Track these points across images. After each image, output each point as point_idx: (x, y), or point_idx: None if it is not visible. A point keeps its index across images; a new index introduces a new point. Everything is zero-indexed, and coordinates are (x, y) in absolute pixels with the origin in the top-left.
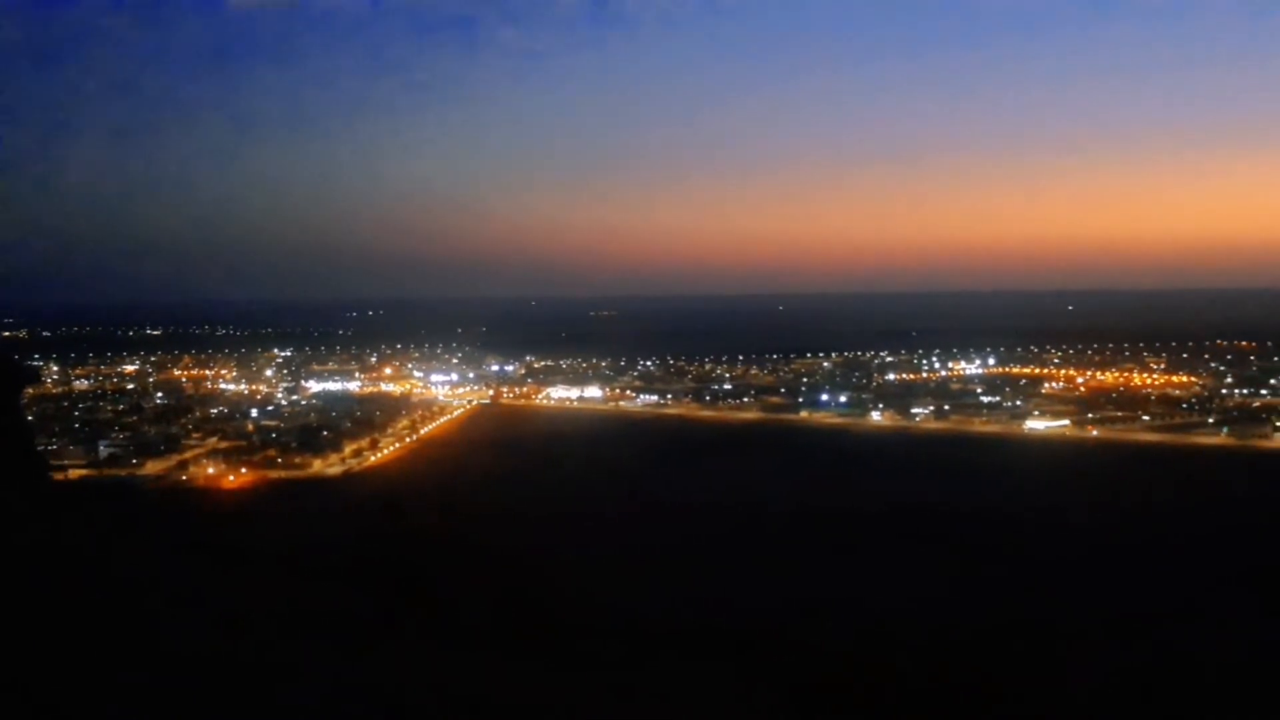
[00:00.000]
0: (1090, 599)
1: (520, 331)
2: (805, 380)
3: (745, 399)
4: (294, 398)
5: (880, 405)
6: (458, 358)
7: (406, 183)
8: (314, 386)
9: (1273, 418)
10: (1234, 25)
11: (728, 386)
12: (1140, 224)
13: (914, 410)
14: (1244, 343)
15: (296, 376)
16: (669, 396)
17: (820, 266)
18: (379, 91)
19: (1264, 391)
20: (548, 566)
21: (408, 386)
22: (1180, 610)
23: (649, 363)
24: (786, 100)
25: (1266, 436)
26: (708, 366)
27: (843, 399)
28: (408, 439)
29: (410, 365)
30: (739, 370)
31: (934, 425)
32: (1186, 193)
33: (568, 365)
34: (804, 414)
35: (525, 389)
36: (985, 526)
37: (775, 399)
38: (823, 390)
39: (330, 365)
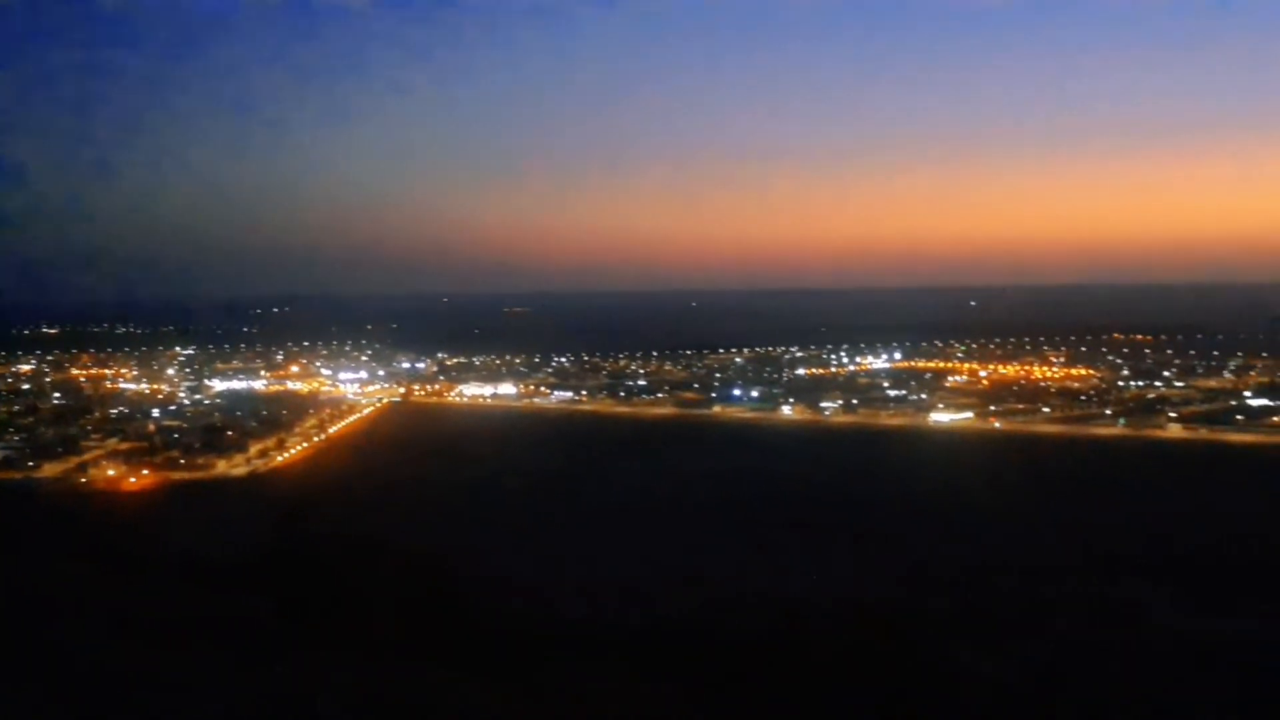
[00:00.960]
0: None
1: (432, 328)
2: (718, 375)
3: (659, 394)
4: (197, 397)
5: (791, 400)
6: (367, 355)
7: (314, 179)
8: (218, 385)
9: (1166, 409)
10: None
11: (642, 382)
12: (1041, 222)
13: (824, 404)
14: (1140, 336)
15: (200, 375)
16: (583, 393)
17: (733, 263)
18: (283, 87)
19: (1158, 384)
20: (458, 569)
21: (316, 385)
22: (1075, 595)
23: (563, 359)
24: (700, 97)
25: (1160, 427)
26: (622, 362)
27: (755, 394)
28: (316, 438)
29: (318, 363)
30: (653, 366)
31: (843, 419)
32: (1086, 192)
33: (481, 362)
34: (717, 409)
35: (437, 386)
36: (885, 517)
37: (689, 394)
38: (735, 385)
39: (235, 363)
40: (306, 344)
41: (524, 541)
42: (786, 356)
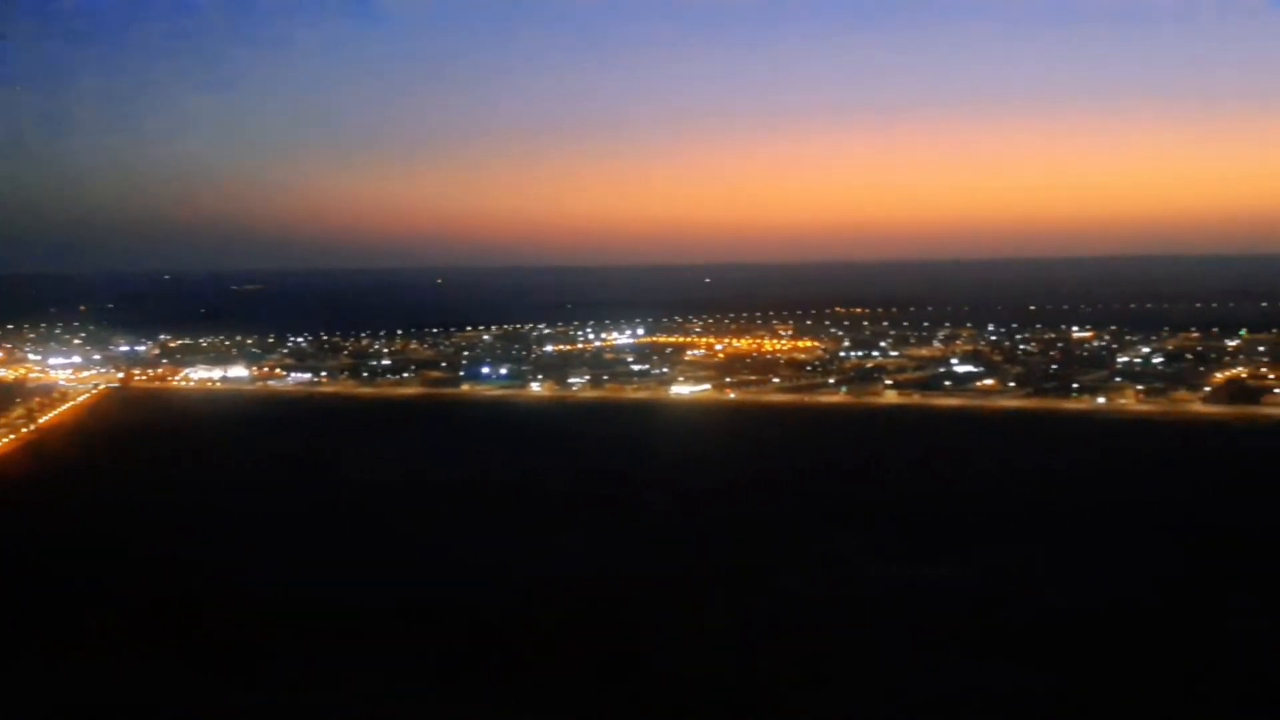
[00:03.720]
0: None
1: (154, 308)
2: (466, 354)
3: (405, 374)
4: None
5: (540, 376)
6: (81, 338)
7: (14, 149)
8: None
9: (882, 377)
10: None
11: (386, 362)
12: (771, 203)
13: (571, 380)
14: (858, 309)
15: None
16: (323, 374)
17: (479, 240)
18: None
19: (875, 353)
20: (188, 566)
21: (23, 371)
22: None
23: (300, 339)
24: (448, 73)
25: (878, 394)
26: (364, 341)
27: (503, 371)
28: (24, 430)
29: (26, 347)
30: (398, 345)
31: (590, 394)
32: (817, 174)
33: (209, 344)
34: (466, 387)
35: (160, 370)
36: (625, 485)
37: (436, 373)
38: (484, 363)
39: None
40: (11, 327)
41: (262, 533)
42: (534, 334)
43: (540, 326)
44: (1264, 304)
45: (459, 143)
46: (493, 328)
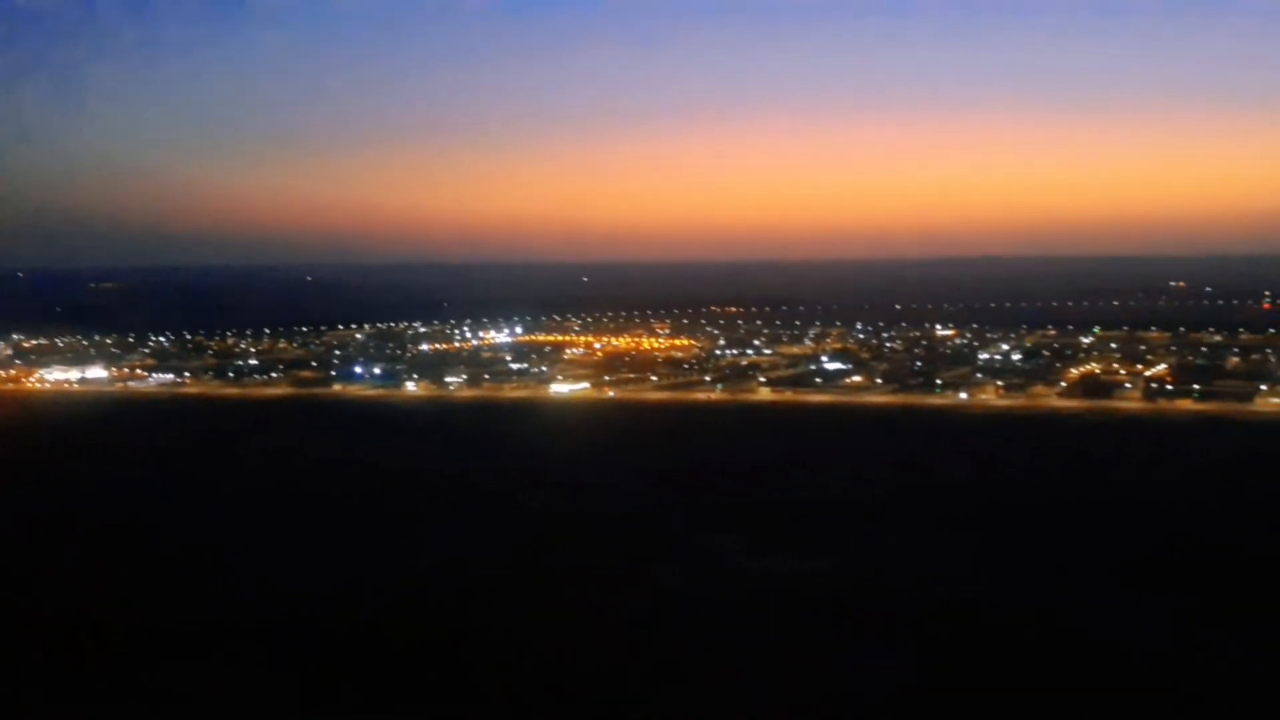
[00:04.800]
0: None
1: (5, 307)
2: (339, 353)
3: (274, 374)
4: None
5: (415, 375)
6: None
7: None
8: None
9: (756, 374)
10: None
11: (254, 361)
12: (649, 202)
13: (448, 379)
14: (734, 308)
15: None
16: (187, 374)
17: (351, 237)
18: None
19: (749, 351)
20: (34, 578)
21: None
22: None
23: (163, 339)
24: (315, 70)
25: (753, 391)
26: (230, 341)
27: (378, 370)
28: None
29: None
30: (266, 344)
31: (468, 393)
32: (693, 174)
33: (66, 344)
34: (338, 387)
35: (13, 372)
36: (509, 485)
37: (307, 373)
38: (357, 362)
39: None
40: None
41: (118, 544)
42: (410, 332)
43: (416, 325)
44: (1115, 303)
45: (331, 139)
46: (366, 326)
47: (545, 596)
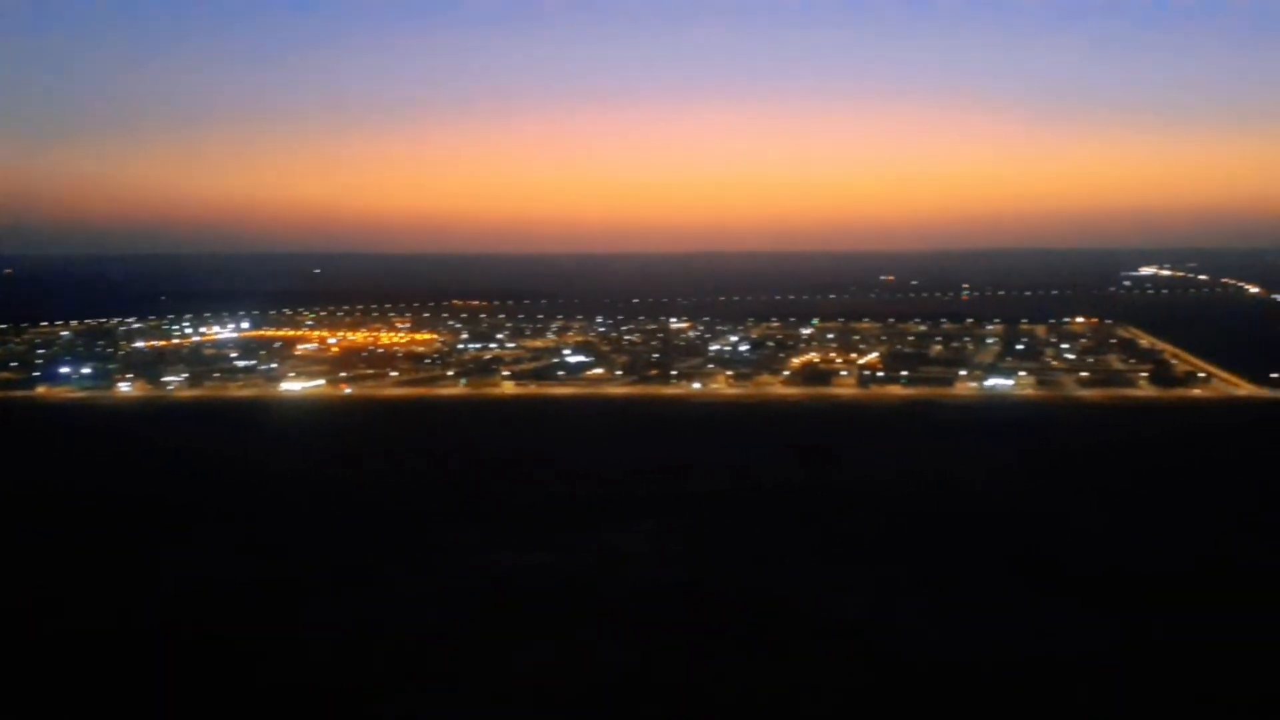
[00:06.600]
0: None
1: None
2: (42, 352)
3: None
4: None
5: (130, 375)
6: None
7: None
8: None
9: (500, 368)
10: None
11: None
12: (384, 193)
13: (167, 379)
14: (476, 302)
15: None
16: None
17: (52, 225)
18: None
19: (493, 345)
20: None
21: None
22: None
23: None
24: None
25: (496, 385)
26: None
27: (86, 370)
28: None
29: None
30: None
31: (189, 393)
32: (427, 165)
33: None
34: (41, 389)
35: None
36: (228, 492)
37: (5, 374)
38: (62, 362)
39: None
40: None
41: None
42: (123, 329)
43: (130, 320)
44: (832, 296)
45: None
46: (73, 322)
47: (279, 603)
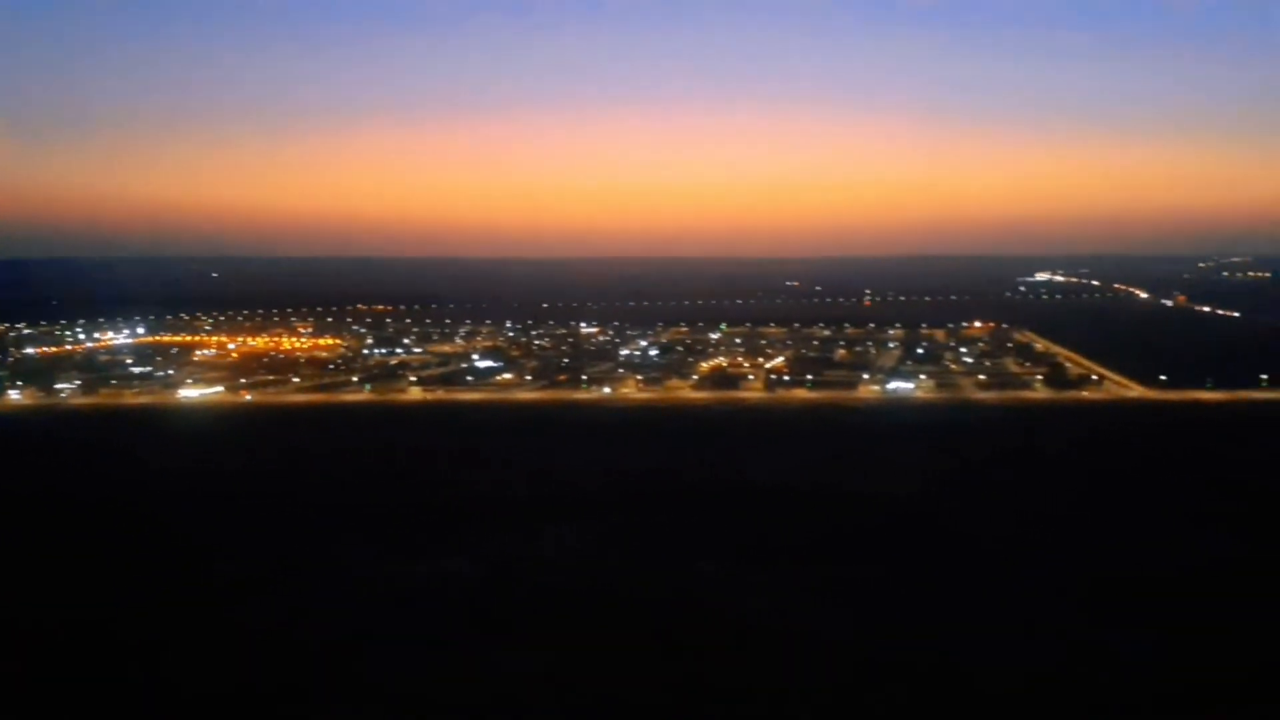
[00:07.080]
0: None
1: None
2: None
3: None
4: None
5: (19, 382)
6: None
7: None
8: None
9: (407, 373)
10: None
11: None
12: (285, 195)
13: (59, 386)
14: (382, 307)
15: None
16: None
17: None
18: None
19: (399, 350)
20: None
21: None
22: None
23: None
24: None
25: (402, 390)
26: None
27: None
28: None
29: None
30: None
31: (81, 400)
32: (328, 168)
33: None
34: None
35: None
36: (116, 505)
37: None
38: None
39: None
40: None
41: None
42: (12, 334)
43: (19, 325)
44: (739, 301)
45: None
46: None
47: (171, 620)
